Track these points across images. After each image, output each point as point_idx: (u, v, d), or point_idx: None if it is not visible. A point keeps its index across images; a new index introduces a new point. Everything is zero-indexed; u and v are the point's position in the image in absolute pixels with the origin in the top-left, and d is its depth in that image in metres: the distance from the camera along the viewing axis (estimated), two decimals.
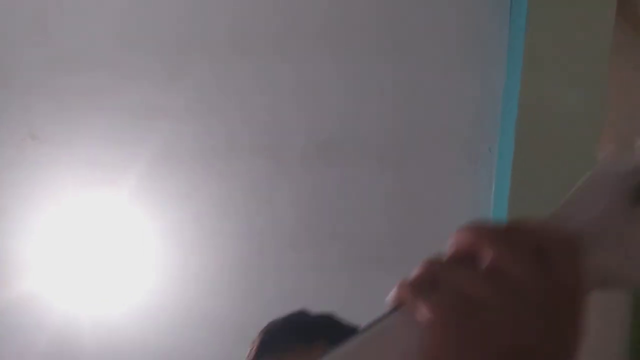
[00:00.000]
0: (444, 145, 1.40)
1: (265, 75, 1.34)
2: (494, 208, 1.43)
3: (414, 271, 0.36)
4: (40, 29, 1.29)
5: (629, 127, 1.70)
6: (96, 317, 1.38)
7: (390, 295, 0.37)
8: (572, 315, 0.33)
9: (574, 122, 1.42)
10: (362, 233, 1.39)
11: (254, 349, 0.59)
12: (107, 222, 1.37)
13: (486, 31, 1.39)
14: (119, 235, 1.39)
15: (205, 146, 1.35)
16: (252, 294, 1.39)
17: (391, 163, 1.38)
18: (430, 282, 0.35)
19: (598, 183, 0.38)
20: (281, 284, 1.38)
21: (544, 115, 1.41)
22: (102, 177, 1.34)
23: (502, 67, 1.41)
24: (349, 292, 1.38)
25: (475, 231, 0.35)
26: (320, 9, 1.34)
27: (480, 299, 0.32)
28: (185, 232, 1.38)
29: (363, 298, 1.32)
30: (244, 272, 1.38)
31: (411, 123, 1.38)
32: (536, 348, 0.31)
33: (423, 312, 0.33)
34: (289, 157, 1.35)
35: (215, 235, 1.38)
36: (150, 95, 1.32)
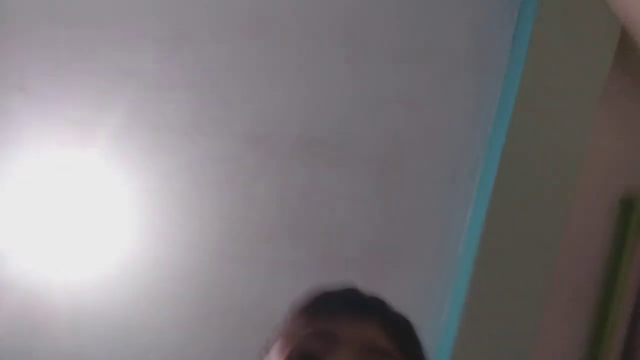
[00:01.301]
0: (428, 159, 1.42)
1: (258, 63, 1.34)
2: (468, 230, 1.45)
3: None
4: None
5: (609, 166, 1.74)
6: (67, 280, 1.36)
7: None
8: None
9: (558, 161, 1.45)
10: (338, 233, 1.40)
11: (303, 309, 0.56)
12: (80, 182, 1.36)
13: (484, 55, 1.41)
14: (91, 197, 1.37)
15: (188, 122, 1.34)
16: (222, 279, 1.39)
17: (375, 169, 1.40)
18: None
19: None
20: (253, 274, 1.38)
21: (530, 149, 1.43)
22: (86, 138, 1.33)
23: (495, 95, 1.43)
24: None
25: None
26: (325, 4, 1.35)
27: None
28: (157, 199, 1.37)
29: None
30: (216, 257, 1.38)
31: (400, 133, 1.40)
32: None
33: None
34: (277, 149, 1.35)
35: (193, 216, 1.37)
36: (145, 61, 1.31)
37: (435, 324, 1.41)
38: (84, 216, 1.38)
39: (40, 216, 1.38)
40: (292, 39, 1.33)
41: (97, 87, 1.32)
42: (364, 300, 0.58)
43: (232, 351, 1.37)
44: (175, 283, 1.37)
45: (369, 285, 0.64)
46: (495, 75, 1.41)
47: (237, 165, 1.36)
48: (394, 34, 1.37)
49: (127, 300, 1.36)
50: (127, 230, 1.38)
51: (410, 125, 1.41)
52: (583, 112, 1.44)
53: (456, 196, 1.45)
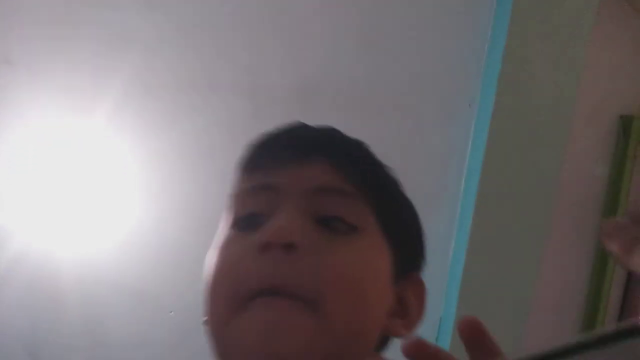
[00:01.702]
0: (423, 97, 1.40)
1: (250, 14, 1.31)
2: (469, 164, 1.45)
3: None
4: None
5: (608, 85, 1.72)
6: (76, 252, 1.37)
7: None
8: None
9: (554, 85, 1.44)
10: None
11: (241, 165, 0.52)
12: (85, 153, 1.36)
13: None
14: (96, 167, 1.37)
15: (184, 80, 1.32)
16: None
17: (370, 111, 1.39)
18: None
19: None
20: None
21: (526, 76, 1.42)
22: (79, 105, 1.32)
23: (488, 24, 1.40)
24: None
25: None
26: None
27: None
28: (163, 166, 1.37)
29: None
30: (220, 210, 1.39)
31: (393, 73, 1.38)
32: None
33: None
34: (268, 99, 1.34)
35: (193, 172, 1.38)
36: (130, 23, 1.29)
37: (441, 263, 1.43)
38: (89, 187, 1.38)
39: (45, 190, 1.38)
40: None
41: (81, 52, 1.30)
42: (307, 138, 0.52)
43: None
44: (189, 245, 1.39)
45: None
46: (486, 1, 1.38)
47: (229, 118, 1.35)
48: None
49: (140, 268, 1.38)
50: (134, 198, 1.38)
51: (403, 64, 1.39)
52: (578, 33, 1.41)
53: (454, 132, 1.44)
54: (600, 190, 1.79)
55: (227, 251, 0.47)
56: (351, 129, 1.44)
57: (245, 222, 0.47)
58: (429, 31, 1.39)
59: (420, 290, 0.51)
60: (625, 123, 1.73)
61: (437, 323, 1.40)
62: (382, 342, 0.47)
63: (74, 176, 1.37)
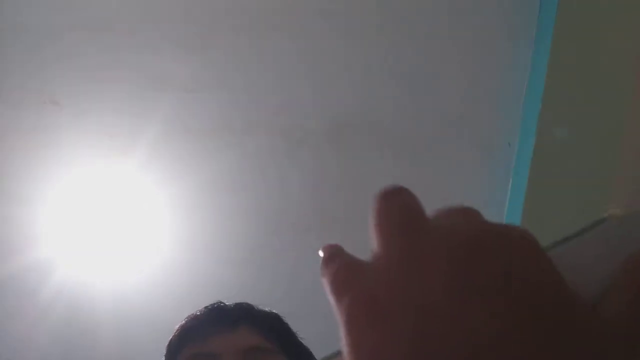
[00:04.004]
0: (462, 136, 1.38)
1: (284, 54, 1.33)
2: (509, 205, 1.41)
3: None
4: None
5: None
6: (109, 286, 1.39)
7: None
8: None
9: (597, 123, 1.39)
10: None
11: (175, 339, 0.61)
12: (122, 191, 1.38)
13: (513, 24, 1.36)
14: (132, 205, 1.39)
15: (220, 122, 1.35)
16: (258, 271, 1.39)
17: (405, 151, 1.37)
18: None
19: None
20: (287, 263, 1.38)
21: (567, 115, 1.38)
22: (119, 145, 1.35)
23: (527, 62, 1.38)
24: None
25: None
26: None
27: None
28: (197, 203, 1.38)
29: None
30: (251, 249, 1.38)
31: (430, 111, 1.37)
32: None
33: None
34: (301, 139, 1.34)
35: (225, 210, 1.38)
36: (169, 67, 1.32)
37: None
38: (125, 224, 1.40)
39: (84, 226, 1.41)
40: (304, 30, 1.31)
41: (122, 94, 1.33)
42: (229, 311, 0.63)
43: None
44: (218, 282, 1.39)
45: None
46: (525, 40, 1.35)
47: (263, 158, 1.36)
48: (418, 15, 1.33)
49: (172, 303, 1.38)
50: (167, 235, 1.40)
51: (440, 103, 1.38)
52: (621, 63, 1.37)
53: (494, 172, 1.41)
54: None
55: None
56: (384, 171, 1.43)
57: None
58: (466, 69, 1.37)
59: None
60: None
61: None
62: None
63: (111, 213, 1.39)
